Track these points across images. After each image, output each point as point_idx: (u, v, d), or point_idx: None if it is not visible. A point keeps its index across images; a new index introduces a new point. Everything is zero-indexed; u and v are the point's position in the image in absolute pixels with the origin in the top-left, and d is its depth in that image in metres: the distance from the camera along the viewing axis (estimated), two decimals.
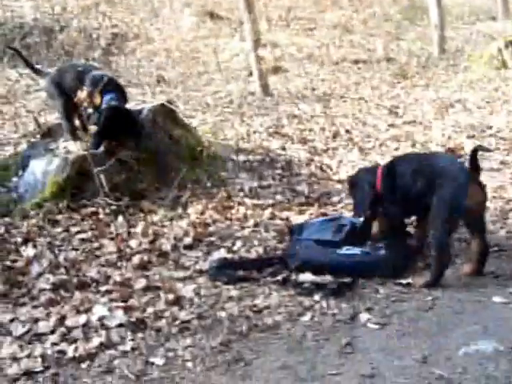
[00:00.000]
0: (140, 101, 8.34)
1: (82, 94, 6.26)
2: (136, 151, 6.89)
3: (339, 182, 7.49)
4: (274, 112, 9.48)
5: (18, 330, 4.93)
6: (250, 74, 11.42)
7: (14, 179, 6.87)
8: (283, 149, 8.08)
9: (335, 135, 8.83)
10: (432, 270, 5.33)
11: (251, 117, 9.25)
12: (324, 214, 6.52)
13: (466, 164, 5.36)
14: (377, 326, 4.76)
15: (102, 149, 6.63)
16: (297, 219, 6.48)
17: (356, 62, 13.46)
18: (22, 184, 6.76)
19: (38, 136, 7.74)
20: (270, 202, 6.90)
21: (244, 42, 12.80)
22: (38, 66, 7.65)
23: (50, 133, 7.36)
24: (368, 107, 10.31)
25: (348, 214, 6.33)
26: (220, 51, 13.56)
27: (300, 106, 10.09)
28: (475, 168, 5.28)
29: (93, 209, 6.55)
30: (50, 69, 7.53)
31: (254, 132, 8.58)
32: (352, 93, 11.31)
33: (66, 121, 7.00)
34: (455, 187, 5.21)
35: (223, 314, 5.03)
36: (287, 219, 6.52)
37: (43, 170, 6.67)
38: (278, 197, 7.05)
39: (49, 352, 4.65)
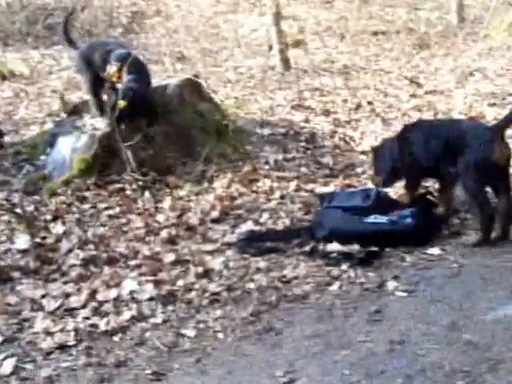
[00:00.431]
0: (165, 77, 8.30)
1: (111, 69, 6.24)
2: (162, 126, 6.86)
3: (363, 153, 7.43)
4: (296, 85, 9.41)
5: (50, 305, 4.96)
6: (270, 48, 11.33)
7: (42, 157, 6.90)
8: (306, 121, 8.05)
9: (357, 107, 8.78)
10: (481, 228, 5.33)
11: (273, 91, 9.20)
12: (349, 186, 6.49)
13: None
14: (404, 294, 4.75)
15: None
16: (322, 191, 6.45)
17: (375, 33, 13.33)
18: (49, 162, 6.79)
19: (63, 114, 7.74)
20: (295, 174, 6.87)
21: (263, 17, 12.73)
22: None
23: (75, 110, 7.35)
24: (389, 78, 10.23)
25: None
26: (239, 26, 13.48)
27: (322, 78, 10.01)
28: (499, 125, 5.28)
29: (120, 185, 6.57)
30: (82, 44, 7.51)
31: (278, 105, 8.55)
32: (372, 64, 11.22)
33: (92, 96, 6.99)
34: (480, 145, 5.21)
35: (252, 285, 5.03)
36: (312, 191, 6.50)
37: (71, 148, 6.69)
38: (303, 169, 7.02)
39: (81, 326, 4.67)
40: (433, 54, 11.84)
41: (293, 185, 6.61)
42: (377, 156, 5.94)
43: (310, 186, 6.60)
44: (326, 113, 8.45)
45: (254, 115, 8.11)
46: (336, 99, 9.06)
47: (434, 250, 5.33)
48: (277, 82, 9.78)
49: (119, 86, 6.26)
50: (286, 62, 10.86)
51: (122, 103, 6.37)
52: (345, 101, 8.99)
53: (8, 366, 4.32)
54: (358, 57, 11.78)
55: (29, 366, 4.33)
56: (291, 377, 3.91)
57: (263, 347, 4.29)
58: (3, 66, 10.72)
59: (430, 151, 5.46)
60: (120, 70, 6.23)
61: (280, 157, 7.19)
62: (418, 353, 3.98)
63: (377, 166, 5.93)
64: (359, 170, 6.97)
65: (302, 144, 7.57)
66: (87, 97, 7.38)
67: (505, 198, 5.37)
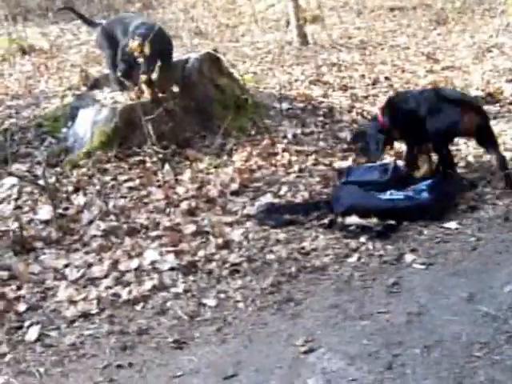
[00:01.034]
0: (185, 51, 8.28)
1: (133, 44, 6.24)
2: (182, 100, 6.86)
3: None
4: (314, 61, 9.38)
5: (73, 274, 5.01)
6: (287, 23, 11.30)
7: (64, 130, 6.92)
8: (324, 96, 8.02)
9: (375, 82, 8.75)
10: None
11: (291, 66, 9.16)
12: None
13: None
14: (422, 267, 4.75)
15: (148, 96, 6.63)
16: (340, 165, 6.45)
17: (392, 9, 13.25)
18: (71, 134, 6.81)
19: (84, 88, 7.75)
20: (314, 148, 6.86)
21: None
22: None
23: (96, 84, 7.36)
24: (406, 54, 10.17)
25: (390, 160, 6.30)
26: (256, 1, 13.43)
27: (339, 54, 9.98)
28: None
29: (140, 157, 6.59)
30: (102, 20, 7.51)
31: (296, 80, 8.52)
32: (389, 40, 11.16)
33: (112, 71, 6.99)
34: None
35: (272, 256, 5.06)
36: (330, 165, 6.49)
37: (92, 121, 6.70)
38: (321, 143, 7.01)
39: (103, 295, 4.71)
40: (450, 29, 11.76)
41: (311, 159, 6.61)
42: (364, 139, 6.15)
43: (328, 160, 6.59)
44: (344, 88, 8.42)
45: (273, 90, 8.08)
46: (353, 74, 9.02)
47: (451, 224, 5.31)
48: (294, 57, 9.74)
49: (140, 60, 6.24)
50: (303, 38, 10.81)
51: (142, 77, 6.40)
52: (362, 76, 8.96)
53: (33, 333, 4.37)
54: (374, 32, 11.72)
55: (53, 334, 4.38)
56: (310, 346, 3.93)
57: (283, 317, 4.32)
58: (23, 41, 10.74)
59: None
60: (142, 44, 6.20)
61: (298, 131, 7.18)
62: (435, 324, 4.00)
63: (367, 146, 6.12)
64: None
65: (320, 119, 7.55)
66: (107, 71, 7.38)
67: (494, 151, 5.86)
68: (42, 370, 4.03)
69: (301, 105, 7.72)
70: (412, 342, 3.84)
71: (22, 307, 4.66)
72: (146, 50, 6.12)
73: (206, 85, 7.08)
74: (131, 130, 6.64)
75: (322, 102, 7.90)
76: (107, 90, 7.09)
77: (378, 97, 8.13)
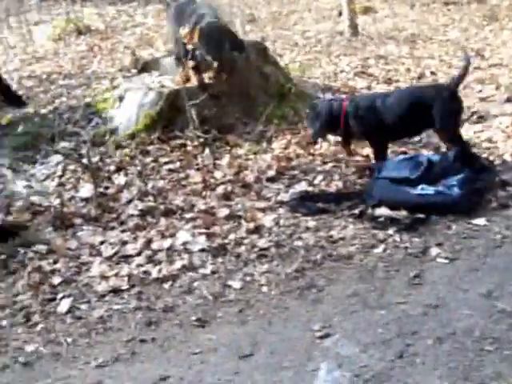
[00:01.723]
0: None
1: (183, 31, 6.37)
2: (227, 86, 6.96)
3: None
4: (362, 52, 9.38)
5: (108, 251, 5.16)
6: (340, 13, 11.31)
7: (111, 111, 7.06)
8: (368, 88, 8.03)
9: (420, 76, 8.71)
10: None
11: (339, 56, 9.17)
12: (403, 152, 6.50)
13: None
14: (446, 261, 4.79)
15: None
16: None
17: (446, 3, 13.16)
18: (117, 116, 6.95)
19: (134, 70, 7.89)
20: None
21: None
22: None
23: (145, 67, 7.50)
24: (455, 49, 10.11)
25: (426, 153, 6.33)
26: None
27: (387, 46, 9.96)
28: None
29: (182, 141, 6.70)
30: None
31: (341, 71, 8.52)
32: (440, 34, 11.10)
33: (174, 44, 7.10)
34: None
35: (300, 243, 5.14)
36: (368, 156, 6.52)
37: (138, 103, 6.84)
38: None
39: (135, 272, 4.86)
40: (503, 26, 11.64)
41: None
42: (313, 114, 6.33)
43: (366, 151, 6.61)
44: (388, 81, 8.40)
45: (317, 80, 8.12)
46: (399, 68, 8.98)
47: (480, 221, 5.32)
48: (343, 48, 9.75)
49: (189, 47, 6.37)
50: (354, 28, 10.83)
51: (189, 63, 6.53)
52: (408, 70, 8.93)
53: (65, 305, 4.54)
54: (426, 26, 11.66)
55: (83, 307, 4.54)
56: (326, 331, 4.02)
57: (304, 302, 4.41)
58: (80, 22, 10.93)
59: None
60: (191, 32, 6.32)
61: None
62: (451, 317, 4.05)
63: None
64: (417, 138, 6.93)
65: None
66: (157, 54, 7.51)
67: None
68: (69, 340, 4.19)
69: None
70: (425, 333, 3.91)
71: (56, 280, 4.83)
72: (195, 39, 6.22)
73: (252, 72, 7.15)
74: (175, 113, 6.76)
75: None
76: (156, 73, 7.21)
77: None
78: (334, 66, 8.68)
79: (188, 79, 6.86)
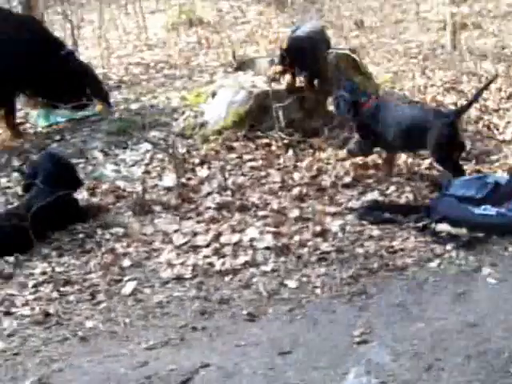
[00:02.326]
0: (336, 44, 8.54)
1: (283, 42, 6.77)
2: (316, 91, 7.18)
3: (503, 142, 7.39)
4: (457, 67, 9.30)
5: (179, 240, 5.50)
6: (444, 27, 11.28)
7: (203, 105, 7.37)
8: (455, 105, 8.08)
9: (510, 96, 8.66)
10: None
11: (433, 70, 9.17)
12: (478, 171, 6.57)
13: None
14: (495, 281, 4.88)
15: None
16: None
17: None
18: (208, 110, 7.25)
19: (231, 68, 8.18)
20: None
21: None
22: None
23: (242, 66, 7.79)
24: None
25: (501, 174, 6.40)
26: (422, 1, 13.37)
27: (484, 63, 9.86)
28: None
29: (267, 140, 6.96)
30: None
31: (432, 85, 8.54)
32: None
33: None
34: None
35: (361, 250, 5.35)
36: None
37: (229, 100, 7.11)
38: None
39: (200, 263, 5.18)
40: None
41: (426, 162, 6.75)
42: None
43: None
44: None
45: (407, 92, 8.21)
46: (491, 86, 8.89)
47: None
48: (439, 62, 9.71)
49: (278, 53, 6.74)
50: (455, 43, 10.72)
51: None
52: (499, 89, 8.84)
53: (129, 287, 4.91)
54: None
55: (146, 291, 4.90)
56: (365, 338, 4.22)
57: (351, 308, 4.62)
58: (192, 13, 11.26)
59: None
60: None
61: None
62: (485, 337, 4.15)
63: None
64: (494, 157, 6.96)
65: None
66: (259, 54, 7.82)
67: None
68: (127, 320, 4.55)
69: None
70: (457, 350, 4.04)
71: (126, 263, 5.21)
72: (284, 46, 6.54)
73: (341, 80, 7.31)
74: (263, 113, 7.01)
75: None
76: (250, 73, 7.49)
77: (509, 111, 8.08)
78: (426, 80, 8.70)
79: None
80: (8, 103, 7.15)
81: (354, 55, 7.20)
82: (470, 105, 6.53)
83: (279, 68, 6.87)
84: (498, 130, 7.58)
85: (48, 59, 6.91)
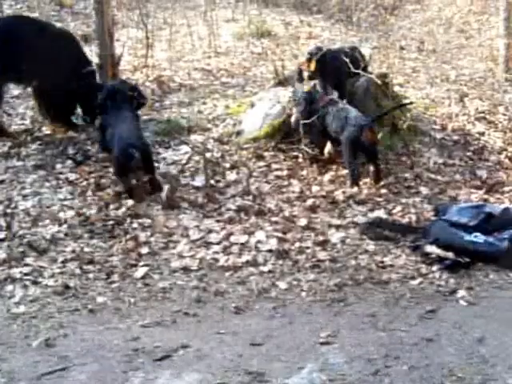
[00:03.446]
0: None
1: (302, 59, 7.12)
2: None
3: None
4: (498, 97, 9.47)
5: (195, 235, 5.95)
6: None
7: (242, 115, 7.81)
8: (482, 134, 8.29)
9: None
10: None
11: (473, 99, 9.36)
12: (485, 200, 6.84)
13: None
14: (466, 304, 5.20)
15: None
16: (462, 198, 6.88)
17: None
18: (246, 120, 7.69)
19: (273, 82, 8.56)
20: (447, 179, 7.28)
21: None
22: None
23: (282, 81, 8.18)
24: None
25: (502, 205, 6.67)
26: (487, 29, 13.46)
27: None
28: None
29: (295, 153, 7.33)
30: None
31: (464, 114, 8.76)
32: None
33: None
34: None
35: (353, 262, 5.73)
36: (455, 198, 6.92)
37: (264, 113, 7.55)
38: (457, 176, 7.39)
39: (207, 257, 5.63)
40: None
41: (439, 188, 7.06)
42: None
43: (454, 193, 7.02)
44: (506, 130, 8.56)
45: (438, 118, 8.46)
46: None
47: None
48: (486, 91, 9.78)
49: (305, 74, 7.08)
50: (507, 72, 10.80)
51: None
52: None
53: (141, 272, 5.41)
54: None
55: (155, 276, 5.39)
56: (330, 340, 4.59)
57: (327, 312, 5.02)
58: (260, 25, 11.62)
59: None
60: (309, 60, 7.02)
61: (441, 160, 7.58)
62: (435, 353, 4.44)
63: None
64: (507, 188, 7.23)
65: (468, 154, 7.87)
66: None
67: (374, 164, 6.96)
68: (132, 300, 5.05)
69: (456, 137, 8.07)
70: (406, 360, 4.36)
71: (144, 250, 5.69)
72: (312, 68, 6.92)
73: (369, 102, 7.65)
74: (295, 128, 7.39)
75: (478, 139, 8.17)
76: (289, 88, 7.89)
77: None
78: (461, 108, 8.90)
79: None
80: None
81: (378, 80, 7.44)
82: (380, 117, 7.12)
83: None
84: None
85: (73, 74, 7.38)
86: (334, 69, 7.41)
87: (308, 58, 7.15)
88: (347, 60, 7.35)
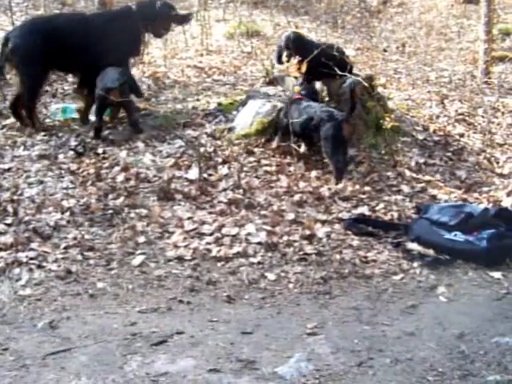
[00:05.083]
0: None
1: (293, 60, 7.10)
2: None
3: (500, 175, 7.66)
4: (478, 100, 9.48)
5: (189, 226, 5.95)
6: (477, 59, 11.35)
7: (234, 112, 7.81)
8: (462, 136, 8.32)
9: None
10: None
11: (453, 101, 9.37)
12: (464, 200, 6.87)
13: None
14: (445, 300, 5.22)
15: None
16: (441, 197, 6.90)
17: None
18: (237, 117, 7.68)
19: (262, 82, 8.56)
20: (427, 178, 7.27)
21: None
22: None
23: (272, 81, 8.19)
24: None
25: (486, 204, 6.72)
26: (467, 32, 13.48)
27: (506, 98, 9.90)
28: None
29: (284, 149, 7.32)
30: None
31: (445, 116, 8.78)
32: None
33: None
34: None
35: (338, 256, 5.74)
36: (435, 197, 6.94)
37: (255, 111, 7.54)
38: (437, 175, 7.39)
39: (200, 248, 5.64)
40: None
41: (419, 186, 7.08)
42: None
43: (434, 192, 7.04)
44: (485, 132, 8.55)
45: (419, 119, 8.49)
46: (503, 122, 9.06)
47: (496, 274, 5.64)
48: (465, 93, 9.76)
49: (295, 74, 7.12)
50: (486, 75, 10.74)
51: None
52: (510, 125, 9.01)
53: (138, 259, 5.43)
54: None
55: (151, 265, 5.40)
56: (316, 331, 4.62)
57: (314, 304, 5.04)
58: (251, 25, 11.63)
59: None
60: (299, 63, 7.04)
61: (422, 160, 7.58)
62: (416, 346, 4.44)
63: None
64: (485, 189, 7.25)
65: (448, 154, 7.87)
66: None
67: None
68: (130, 287, 5.07)
69: (436, 138, 8.09)
70: (389, 353, 4.39)
71: (141, 239, 5.70)
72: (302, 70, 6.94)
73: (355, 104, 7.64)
74: None
75: (458, 140, 8.19)
76: (279, 88, 7.89)
77: None
78: (441, 109, 8.93)
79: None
80: None
81: (364, 83, 7.45)
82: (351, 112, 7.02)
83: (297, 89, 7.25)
84: (498, 163, 7.82)
85: None
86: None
87: (299, 61, 7.12)
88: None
